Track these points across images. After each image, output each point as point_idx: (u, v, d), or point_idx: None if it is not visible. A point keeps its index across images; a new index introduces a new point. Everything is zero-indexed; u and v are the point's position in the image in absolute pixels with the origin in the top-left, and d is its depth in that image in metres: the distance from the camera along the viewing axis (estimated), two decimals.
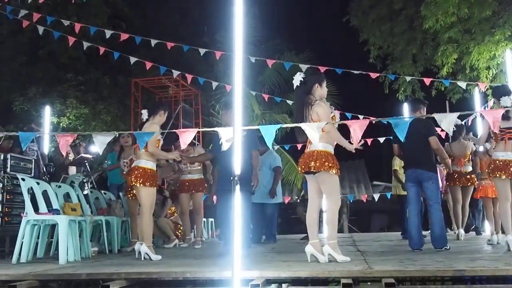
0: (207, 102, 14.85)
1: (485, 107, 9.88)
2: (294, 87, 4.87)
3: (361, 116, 10.38)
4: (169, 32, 15.04)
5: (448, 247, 5.70)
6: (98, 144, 4.38)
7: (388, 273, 3.92)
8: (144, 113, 5.86)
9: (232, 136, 3.88)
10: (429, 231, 6.30)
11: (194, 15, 16.63)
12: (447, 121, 4.05)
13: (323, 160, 4.62)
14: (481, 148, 7.00)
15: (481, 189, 7.21)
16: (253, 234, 8.09)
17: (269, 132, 4.09)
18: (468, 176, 7.32)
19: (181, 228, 8.03)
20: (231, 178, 3.80)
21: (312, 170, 4.66)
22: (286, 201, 11.99)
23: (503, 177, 5.49)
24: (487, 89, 10.56)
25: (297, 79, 4.84)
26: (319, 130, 4.23)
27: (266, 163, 8.09)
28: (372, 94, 14.85)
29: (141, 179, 5.46)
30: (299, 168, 4.86)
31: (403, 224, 8.37)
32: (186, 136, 4.26)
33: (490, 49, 10.25)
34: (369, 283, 4.16)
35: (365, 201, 13.24)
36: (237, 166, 3.80)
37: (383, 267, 4.20)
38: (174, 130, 4.45)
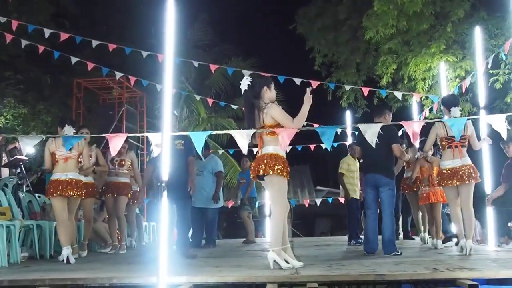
0: (152, 104, 14.70)
1: (420, 117, 10.26)
2: (242, 91, 4.80)
3: (304, 122, 10.57)
4: (116, 32, 14.83)
5: (398, 252, 5.74)
6: (25, 146, 4.28)
7: (313, 277, 4.02)
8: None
9: (161, 141, 3.87)
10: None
11: (142, 16, 16.43)
12: (371, 132, 4.19)
13: (273, 163, 4.57)
14: (424, 154, 7.06)
15: (424, 196, 7.18)
16: (192, 239, 8.08)
17: (199, 139, 4.11)
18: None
19: (118, 235, 7.85)
20: (161, 184, 3.80)
21: (260, 173, 4.60)
22: (230, 206, 12.02)
23: (454, 184, 5.70)
24: (422, 99, 11.00)
25: (245, 83, 4.78)
26: (248, 138, 4.27)
27: (208, 168, 8.10)
28: (317, 100, 15.09)
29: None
30: (251, 174, 4.79)
31: (351, 229, 8.30)
32: (116, 141, 4.21)
33: (426, 61, 10.66)
34: None
35: (307, 205, 13.42)
36: (165, 172, 3.81)
37: (310, 271, 4.30)
38: (104, 135, 4.38)
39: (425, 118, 10.23)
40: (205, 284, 4.02)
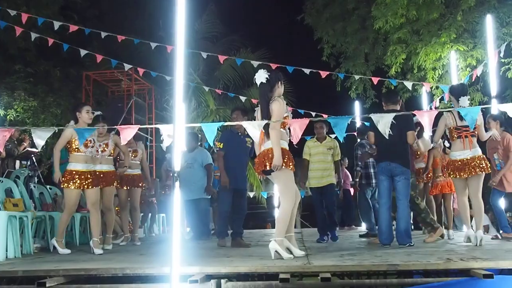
0: (161, 96, 14.72)
1: (430, 107, 10.20)
2: (258, 84, 4.83)
3: (313, 113, 10.58)
4: (124, 25, 14.83)
5: (412, 243, 5.68)
6: (37, 139, 4.30)
7: (325, 268, 4.01)
8: (71, 123, 5.96)
9: (173, 132, 3.87)
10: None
11: (150, 8, 16.41)
12: (383, 122, 4.15)
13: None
14: (434, 145, 7.02)
15: (438, 186, 7.22)
16: (194, 231, 8.14)
17: (210, 130, 4.11)
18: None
19: (130, 225, 7.89)
20: (173, 175, 3.80)
21: (268, 168, 4.62)
22: None
23: (464, 176, 5.66)
24: (432, 89, 10.92)
25: (262, 76, 4.79)
26: (260, 128, 4.27)
27: (198, 161, 8.01)
28: (325, 91, 15.09)
29: None
30: (256, 170, 4.82)
31: (321, 223, 7.18)
32: (127, 133, 4.23)
33: (436, 50, 10.59)
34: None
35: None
36: (177, 163, 3.81)
37: (322, 262, 4.30)
38: (115, 127, 4.41)
39: (436, 108, 10.16)
40: (218, 274, 4.02)
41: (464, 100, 5.68)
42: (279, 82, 4.85)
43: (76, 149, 5.77)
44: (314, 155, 7.06)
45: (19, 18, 9.07)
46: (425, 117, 4.17)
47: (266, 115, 4.71)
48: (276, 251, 4.57)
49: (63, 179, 5.68)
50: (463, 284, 3.85)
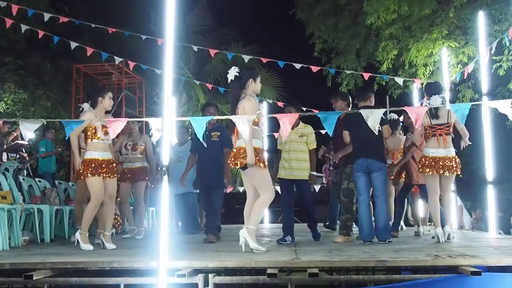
0: (151, 90, 14.66)
1: (421, 103, 10.21)
2: (229, 81, 4.90)
3: (304, 108, 10.56)
4: (115, 18, 14.75)
5: (391, 239, 5.70)
6: (25, 131, 4.26)
7: (313, 263, 4.01)
8: (85, 106, 5.59)
9: (161, 126, 3.85)
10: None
11: (141, 1, 16.32)
12: (373, 118, 4.16)
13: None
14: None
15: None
16: (183, 226, 8.16)
17: (199, 124, 4.09)
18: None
19: (118, 218, 7.84)
20: (161, 168, 3.78)
21: (238, 166, 4.76)
22: (229, 191, 12.03)
23: (434, 173, 5.68)
24: (423, 86, 10.93)
25: (232, 73, 4.87)
26: (249, 124, 4.27)
27: (187, 154, 8.00)
28: (316, 87, 15.07)
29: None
30: (231, 164, 4.91)
31: (287, 221, 6.23)
32: (116, 126, 4.21)
33: (427, 46, 10.58)
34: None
35: None
36: (165, 157, 3.79)
37: (310, 257, 4.30)
38: (105, 120, 4.38)
39: (427, 104, 10.16)
40: (205, 269, 4.02)
41: (436, 99, 5.65)
42: (251, 79, 4.88)
43: (95, 136, 5.39)
44: (285, 144, 6.16)
45: (9, 10, 8.99)
46: (413, 114, 4.17)
47: (235, 112, 4.76)
48: (244, 238, 4.66)
49: (82, 167, 5.34)
50: (451, 281, 3.87)
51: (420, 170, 5.83)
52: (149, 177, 7.54)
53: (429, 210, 6.49)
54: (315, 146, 6.28)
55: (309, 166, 6.18)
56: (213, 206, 6.42)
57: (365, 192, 5.90)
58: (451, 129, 5.72)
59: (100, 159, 5.41)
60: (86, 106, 5.58)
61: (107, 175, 5.44)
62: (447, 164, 5.63)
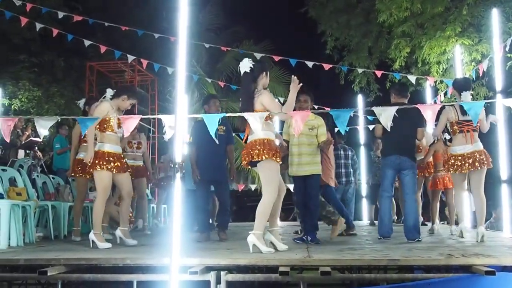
0: (163, 88, 14.71)
1: (435, 101, 10.15)
2: (242, 73, 4.80)
3: (316, 106, 10.54)
4: (128, 16, 14.81)
5: (420, 239, 5.59)
6: (40, 128, 4.29)
7: (325, 261, 4.01)
8: (109, 92, 5.49)
9: (174, 124, 3.86)
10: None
11: (153, 0, 16.38)
12: (385, 115, 4.13)
13: (267, 148, 4.56)
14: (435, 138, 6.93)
15: (438, 181, 7.13)
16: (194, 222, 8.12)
17: (212, 121, 4.10)
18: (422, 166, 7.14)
19: (131, 214, 7.92)
20: (174, 165, 3.79)
21: (254, 159, 4.59)
22: (240, 189, 12.08)
23: (465, 171, 5.58)
24: (436, 83, 10.87)
25: (247, 65, 4.76)
26: (261, 120, 4.26)
27: None
28: (328, 85, 15.03)
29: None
30: (243, 161, 4.75)
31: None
32: (130, 123, 4.23)
33: (441, 44, 10.51)
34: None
35: None
36: (178, 154, 3.80)
37: (322, 255, 4.30)
38: (118, 116, 4.40)
39: (440, 102, 10.11)
40: (217, 266, 4.03)
41: (466, 95, 5.60)
42: (264, 73, 4.82)
43: (108, 127, 5.26)
44: (294, 136, 5.69)
45: (24, 9, 9.10)
46: (428, 111, 4.14)
47: (247, 105, 4.67)
48: (254, 244, 4.51)
49: (90, 161, 5.18)
50: (464, 281, 3.83)
51: (450, 169, 5.73)
52: (149, 176, 7.72)
53: (455, 207, 6.40)
54: (325, 139, 5.80)
55: (319, 159, 5.80)
56: (224, 203, 6.45)
57: (390, 189, 5.95)
58: (478, 126, 5.63)
59: (112, 153, 5.26)
60: (109, 92, 5.47)
61: (118, 171, 5.29)
62: (477, 158, 5.52)
